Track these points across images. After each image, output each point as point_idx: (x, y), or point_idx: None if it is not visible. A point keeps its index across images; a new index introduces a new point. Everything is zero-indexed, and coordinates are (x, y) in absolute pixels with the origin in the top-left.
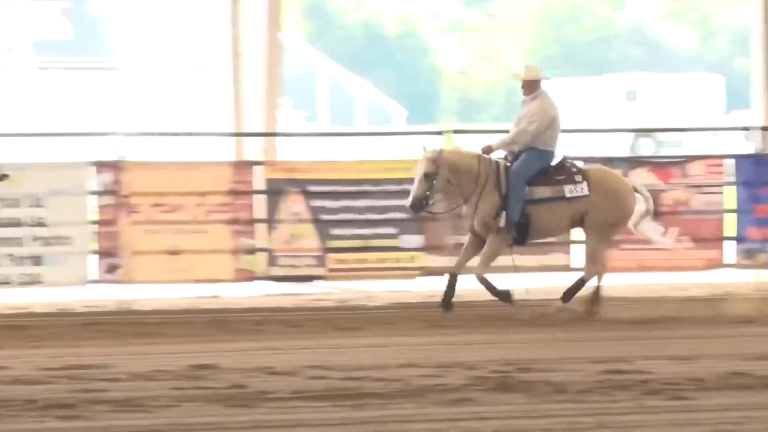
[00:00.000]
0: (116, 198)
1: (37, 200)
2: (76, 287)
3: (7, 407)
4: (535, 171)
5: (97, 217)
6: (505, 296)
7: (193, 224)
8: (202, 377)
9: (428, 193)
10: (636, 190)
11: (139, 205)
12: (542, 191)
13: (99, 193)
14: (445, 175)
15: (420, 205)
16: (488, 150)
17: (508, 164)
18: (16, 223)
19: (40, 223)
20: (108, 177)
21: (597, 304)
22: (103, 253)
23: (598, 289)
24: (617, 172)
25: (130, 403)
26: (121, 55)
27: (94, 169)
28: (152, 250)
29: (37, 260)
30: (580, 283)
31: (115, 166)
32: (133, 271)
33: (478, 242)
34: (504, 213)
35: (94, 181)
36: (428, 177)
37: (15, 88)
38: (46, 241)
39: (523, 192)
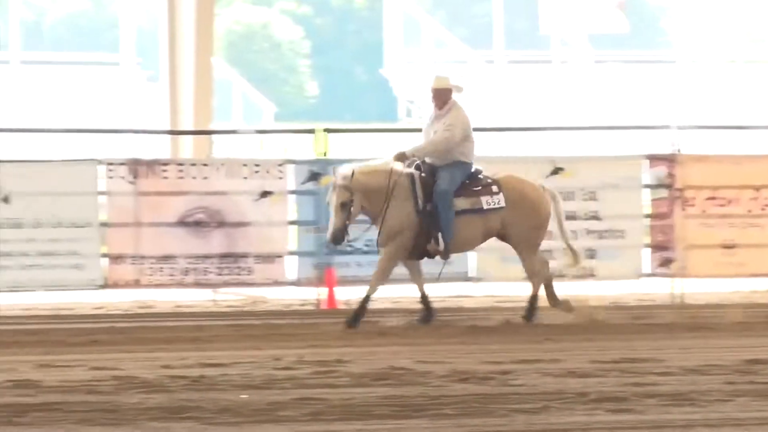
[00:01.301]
0: (670, 191)
1: (591, 194)
2: (628, 281)
3: (559, 399)
4: (458, 185)
5: (650, 211)
6: (355, 319)
7: (747, 218)
8: (755, 372)
9: (347, 222)
10: (544, 190)
11: (693, 198)
12: (460, 203)
13: (652, 187)
14: (360, 201)
15: (341, 237)
16: (401, 157)
17: (423, 174)
18: (570, 216)
19: (595, 217)
20: (662, 170)
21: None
22: (656, 247)
23: (535, 297)
24: (528, 178)
25: (681, 398)
26: (679, 49)
27: (648, 162)
28: (706, 243)
29: (591, 253)
30: (534, 299)
31: (669, 160)
32: (687, 265)
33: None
34: (439, 235)
35: (648, 174)
36: (345, 206)
37: (570, 81)
38: (600, 234)
39: (453, 210)
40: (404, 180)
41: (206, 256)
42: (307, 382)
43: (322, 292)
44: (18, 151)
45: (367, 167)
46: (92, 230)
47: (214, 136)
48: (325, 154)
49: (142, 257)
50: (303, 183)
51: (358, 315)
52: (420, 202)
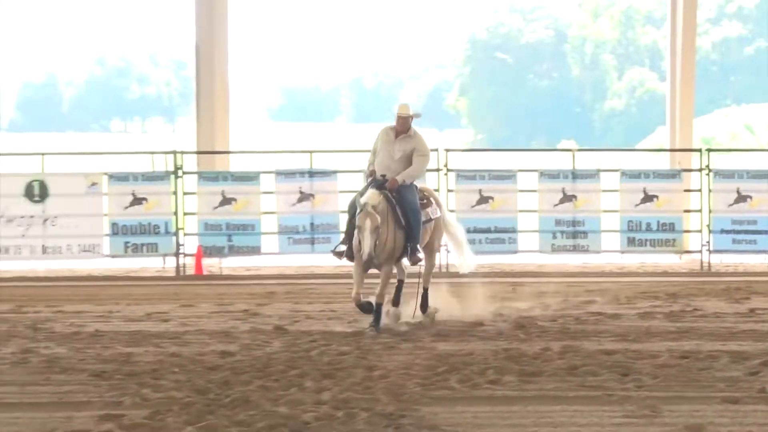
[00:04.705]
0: None
1: None
2: None
3: None
4: None
5: None
6: (377, 322)
7: None
8: None
9: (377, 242)
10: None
11: None
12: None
13: None
14: (383, 224)
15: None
16: (395, 185)
17: (394, 194)
18: None
19: None
20: None
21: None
22: None
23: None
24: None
25: None
26: None
27: None
28: None
29: None
30: (425, 294)
31: None
32: None
33: (365, 271)
34: (417, 246)
35: None
36: (377, 229)
37: None
38: None
39: (422, 221)
40: (390, 205)
41: None
42: None
43: None
44: None
45: (377, 194)
46: None
47: None
48: None
49: None
50: None
51: (378, 319)
52: (401, 218)
